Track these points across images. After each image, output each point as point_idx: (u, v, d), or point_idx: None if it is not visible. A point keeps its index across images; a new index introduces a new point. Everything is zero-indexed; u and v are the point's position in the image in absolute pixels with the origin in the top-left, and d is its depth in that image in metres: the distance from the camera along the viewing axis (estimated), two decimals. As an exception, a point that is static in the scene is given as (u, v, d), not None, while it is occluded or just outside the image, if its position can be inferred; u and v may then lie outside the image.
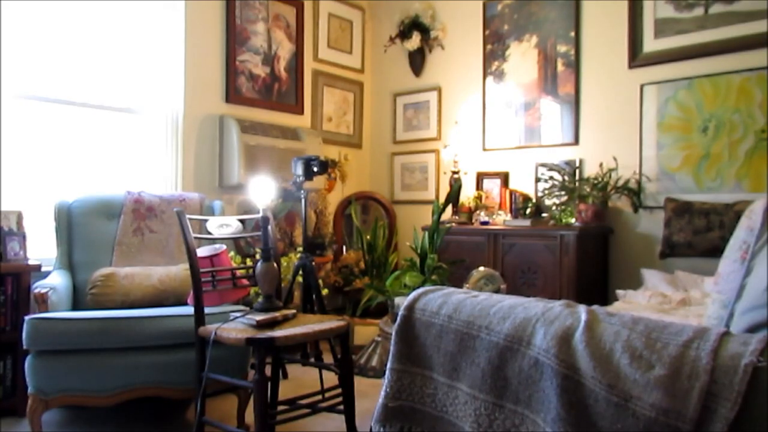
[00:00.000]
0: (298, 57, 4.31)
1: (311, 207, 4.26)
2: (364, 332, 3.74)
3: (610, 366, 1.07)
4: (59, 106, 3.20)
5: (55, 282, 2.56)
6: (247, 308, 2.47)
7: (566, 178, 3.62)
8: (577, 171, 3.71)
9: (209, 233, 2.44)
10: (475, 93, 4.29)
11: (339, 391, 2.24)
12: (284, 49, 4.22)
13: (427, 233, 3.46)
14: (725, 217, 2.95)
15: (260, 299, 2.24)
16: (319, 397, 2.33)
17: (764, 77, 3.06)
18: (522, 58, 4.03)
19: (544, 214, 3.69)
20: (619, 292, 3.00)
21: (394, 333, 1.50)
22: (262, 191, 2.32)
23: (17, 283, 2.69)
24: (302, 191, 3.02)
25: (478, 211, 3.96)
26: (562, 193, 3.57)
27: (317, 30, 4.48)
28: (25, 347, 2.24)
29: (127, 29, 3.45)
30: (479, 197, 4.07)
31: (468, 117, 4.31)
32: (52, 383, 2.23)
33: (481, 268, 3.19)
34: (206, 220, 2.47)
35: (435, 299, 1.47)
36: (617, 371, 1.06)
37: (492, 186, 4.13)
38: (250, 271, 2.48)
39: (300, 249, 3.39)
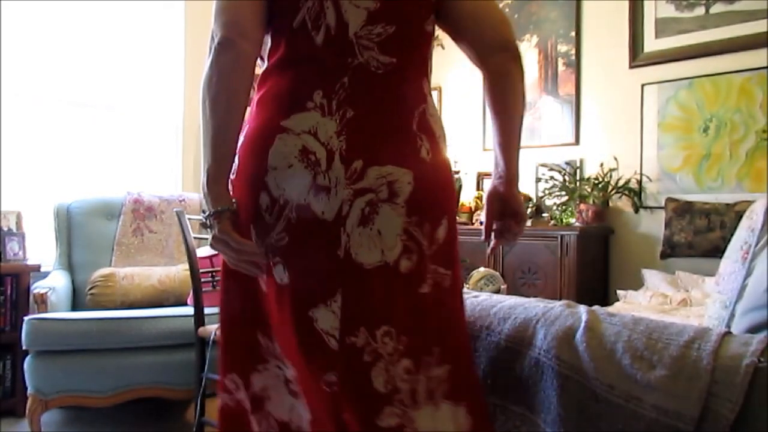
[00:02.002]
0: (298, 57, 4.30)
1: (311, 207, 4.25)
2: (365, 332, 3.73)
3: (610, 366, 1.07)
4: (59, 106, 3.20)
5: (54, 282, 2.56)
6: (247, 308, 2.47)
7: (567, 178, 3.61)
8: (578, 171, 3.70)
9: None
10: (475, 93, 4.28)
11: (339, 391, 2.23)
12: (284, 49, 4.22)
13: (427, 233, 3.44)
14: (726, 218, 2.95)
15: (260, 299, 2.24)
16: (319, 397, 2.32)
17: (765, 77, 3.05)
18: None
19: (544, 215, 3.68)
20: (620, 292, 2.99)
21: (393, 333, 1.49)
22: (262, 191, 2.32)
23: (17, 283, 2.69)
24: (302, 191, 3.01)
25: (478, 212, 3.95)
26: (563, 193, 3.56)
27: (317, 30, 4.48)
28: (24, 347, 2.25)
29: (127, 29, 3.45)
30: (480, 197, 4.07)
31: (468, 117, 4.31)
32: (52, 383, 2.23)
33: (482, 269, 3.18)
34: (206, 220, 2.46)
35: (435, 299, 1.46)
36: (618, 372, 1.05)
37: (492, 186, 4.11)
38: (250, 271, 2.47)
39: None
